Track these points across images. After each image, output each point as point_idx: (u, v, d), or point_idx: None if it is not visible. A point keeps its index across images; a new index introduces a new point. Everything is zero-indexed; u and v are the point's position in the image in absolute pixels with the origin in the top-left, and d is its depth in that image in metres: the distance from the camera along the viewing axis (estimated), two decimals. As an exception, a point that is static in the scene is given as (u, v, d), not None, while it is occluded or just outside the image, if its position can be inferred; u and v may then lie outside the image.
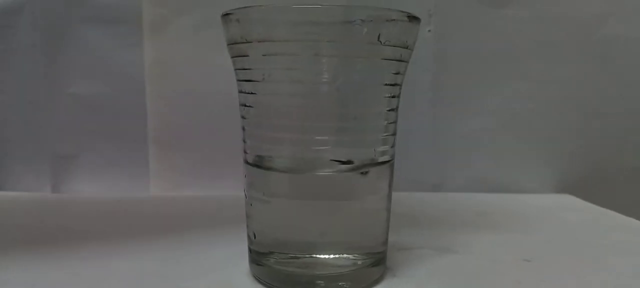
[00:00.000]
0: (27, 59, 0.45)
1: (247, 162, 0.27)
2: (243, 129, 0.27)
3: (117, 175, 0.47)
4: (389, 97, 0.25)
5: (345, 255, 0.26)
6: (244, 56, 0.25)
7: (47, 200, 0.46)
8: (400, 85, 0.26)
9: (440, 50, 0.47)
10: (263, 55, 0.24)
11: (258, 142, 0.26)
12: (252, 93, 0.25)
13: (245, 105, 0.26)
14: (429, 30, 0.47)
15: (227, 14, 0.25)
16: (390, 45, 0.24)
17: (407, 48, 0.25)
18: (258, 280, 0.27)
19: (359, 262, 0.26)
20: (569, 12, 0.48)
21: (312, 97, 0.24)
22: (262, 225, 0.27)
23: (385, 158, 0.26)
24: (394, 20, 0.24)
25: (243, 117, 0.26)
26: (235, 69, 0.26)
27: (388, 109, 0.26)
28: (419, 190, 0.49)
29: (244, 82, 0.25)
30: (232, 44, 0.25)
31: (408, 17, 0.24)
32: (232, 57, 0.26)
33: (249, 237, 0.28)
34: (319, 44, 0.23)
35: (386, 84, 0.25)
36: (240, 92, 0.26)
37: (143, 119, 0.46)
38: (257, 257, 0.27)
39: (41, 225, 0.40)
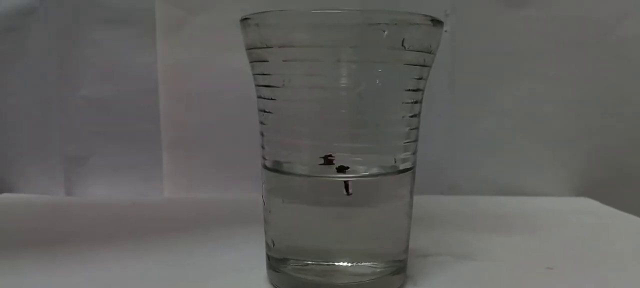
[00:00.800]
0: (39, 61, 0.45)
1: (265, 167, 0.26)
2: (262, 134, 0.26)
3: (131, 178, 0.47)
4: (412, 102, 0.25)
5: (364, 263, 0.26)
6: (263, 61, 0.24)
7: (61, 202, 0.46)
8: (422, 90, 0.25)
9: (456, 50, 0.47)
10: (283, 61, 0.23)
11: (277, 148, 0.26)
12: (271, 99, 0.25)
13: (265, 111, 0.25)
14: (446, 31, 0.46)
15: (245, 19, 0.24)
16: (414, 50, 0.23)
17: (430, 52, 0.24)
18: (275, 286, 0.27)
19: (379, 270, 0.26)
20: (586, 13, 0.47)
21: (333, 103, 0.24)
22: (280, 232, 0.26)
23: (407, 165, 0.26)
24: (417, 24, 0.23)
25: (262, 123, 0.26)
26: (254, 74, 0.25)
27: (410, 115, 0.25)
28: (435, 191, 0.48)
29: (263, 88, 0.25)
30: (251, 49, 0.25)
31: (432, 20, 0.24)
32: (251, 62, 0.25)
33: (267, 243, 0.27)
34: (341, 50, 0.22)
35: (408, 90, 0.24)
36: (259, 97, 0.26)
37: (156, 121, 0.46)
38: (275, 264, 0.27)
39: (55, 228, 0.40)
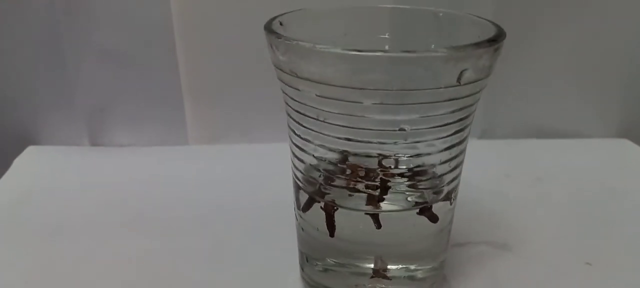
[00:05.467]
0: (46, 12, 0.41)
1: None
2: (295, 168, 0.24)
3: (154, 127, 0.46)
4: (461, 130, 0.22)
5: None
6: (294, 89, 0.21)
7: (88, 152, 0.45)
8: (474, 113, 0.22)
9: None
10: (317, 96, 0.20)
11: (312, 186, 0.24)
12: (305, 128, 0.22)
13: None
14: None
15: (271, 33, 0.20)
16: (471, 82, 0.20)
17: (487, 77, 0.21)
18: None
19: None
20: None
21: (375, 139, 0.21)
22: (314, 250, 0.25)
23: (451, 187, 0.24)
24: (477, 55, 0.19)
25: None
26: (284, 94, 0.22)
27: (458, 142, 0.22)
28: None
29: (295, 114, 0.22)
30: (279, 69, 0.21)
31: (495, 47, 0.20)
32: (279, 79, 0.22)
33: (300, 252, 0.27)
34: (386, 94, 0.19)
35: (459, 119, 0.21)
36: (291, 126, 0.23)
37: (175, 70, 0.43)
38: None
39: (87, 178, 0.41)
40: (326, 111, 0.20)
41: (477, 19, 0.24)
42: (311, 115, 0.21)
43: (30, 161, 0.44)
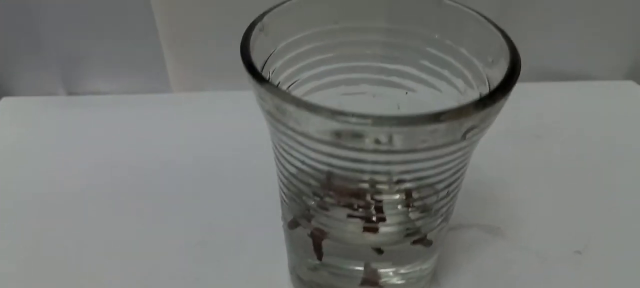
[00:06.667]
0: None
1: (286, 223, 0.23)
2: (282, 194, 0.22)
3: (134, 74, 0.43)
4: (461, 168, 0.20)
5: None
6: (282, 134, 0.19)
7: (64, 102, 0.43)
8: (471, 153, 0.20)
9: None
10: (307, 148, 0.18)
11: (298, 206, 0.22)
12: (291, 174, 0.20)
13: (285, 182, 0.21)
14: None
15: (255, 77, 0.18)
16: (477, 133, 0.18)
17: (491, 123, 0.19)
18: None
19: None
20: None
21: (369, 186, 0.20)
22: (300, 258, 0.25)
23: (447, 213, 0.23)
24: (485, 111, 0.17)
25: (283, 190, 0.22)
26: (271, 136, 0.20)
27: (456, 186, 0.21)
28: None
29: (284, 154, 0.20)
30: (267, 114, 0.19)
31: (505, 96, 0.17)
32: (267, 122, 0.20)
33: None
34: (386, 156, 0.17)
35: (460, 168, 0.20)
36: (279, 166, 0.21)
37: (150, 17, 0.39)
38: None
39: (63, 128, 0.39)
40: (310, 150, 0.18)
41: (484, 22, 0.21)
42: (299, 165, 0.19)
43: (5, 113, 0.42)
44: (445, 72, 0.22)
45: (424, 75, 0.23)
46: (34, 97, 0.43)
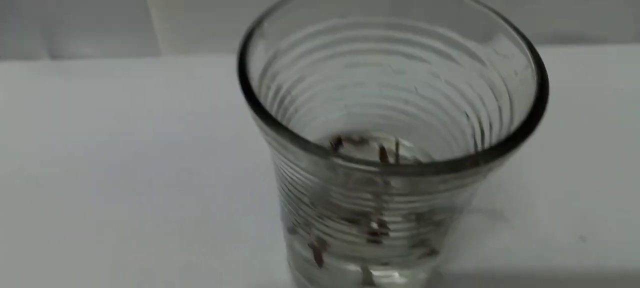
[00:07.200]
0: None
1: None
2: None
3: (120, 36, 0.40)
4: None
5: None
6: (286, 165, 0.18)
7: (48, 67, 0.40)
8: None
9: None
10: (312, 185, 0.17)
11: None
12: (290, 183, 0.19)
13: (284, 188, 0.20)
14: None
15: (257, 111, 0.16)
16: (494, 170, 0.17)
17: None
18: None
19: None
20: None
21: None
22: (304, 273, 0.25)
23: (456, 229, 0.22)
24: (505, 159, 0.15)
25: (281, 194, 0.21)
26: (275, 166, 0.19)
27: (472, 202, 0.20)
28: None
29: (292, 190, 0.19)
30: (271, 146, 0.17)
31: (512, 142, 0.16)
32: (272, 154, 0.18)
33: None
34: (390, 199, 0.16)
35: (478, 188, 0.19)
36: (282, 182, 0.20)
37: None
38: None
39: (48, 93, 0.38)
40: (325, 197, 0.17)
41: (504, 25, 0.19)
42: (305, 200, 0.18)
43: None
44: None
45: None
46: (15, 62, 0.40)
